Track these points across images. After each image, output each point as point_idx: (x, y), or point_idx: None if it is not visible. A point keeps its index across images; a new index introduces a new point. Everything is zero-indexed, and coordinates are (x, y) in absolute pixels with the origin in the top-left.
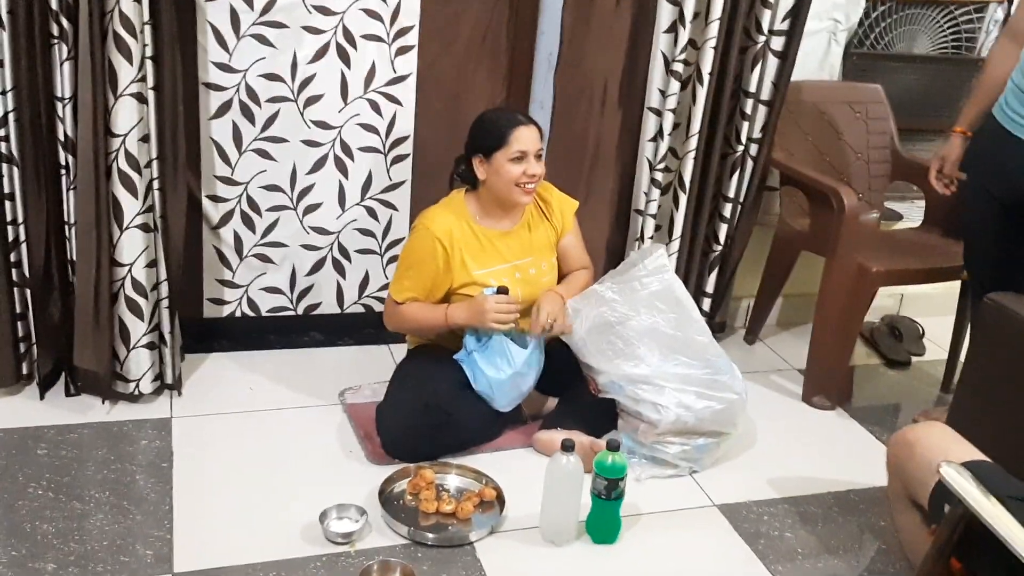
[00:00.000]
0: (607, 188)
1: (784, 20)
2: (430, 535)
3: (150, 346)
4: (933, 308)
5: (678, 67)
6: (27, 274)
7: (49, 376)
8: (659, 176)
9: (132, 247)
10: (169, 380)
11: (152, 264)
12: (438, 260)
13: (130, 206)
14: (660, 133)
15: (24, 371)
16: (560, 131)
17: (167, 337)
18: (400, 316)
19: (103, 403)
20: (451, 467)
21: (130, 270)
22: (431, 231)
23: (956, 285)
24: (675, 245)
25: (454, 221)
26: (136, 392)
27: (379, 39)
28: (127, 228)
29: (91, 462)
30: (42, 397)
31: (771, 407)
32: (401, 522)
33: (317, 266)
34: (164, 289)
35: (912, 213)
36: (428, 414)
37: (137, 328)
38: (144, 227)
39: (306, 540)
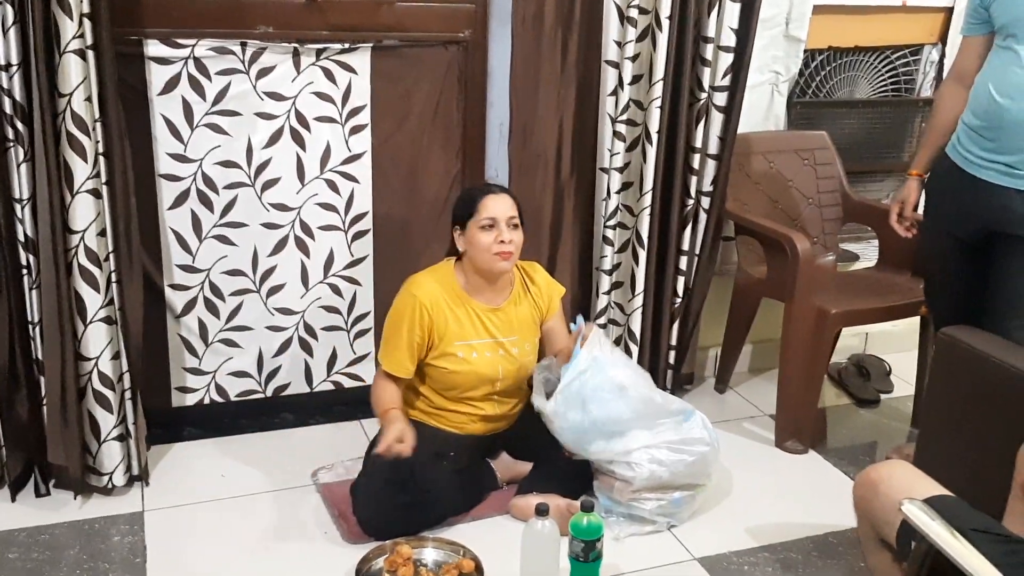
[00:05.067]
0: (568, 248)
1: (724, 76)
2: None
3: (120, 438)
4: (899, 344)
5: (621, 128)
6: None
7: (20, 477)
8: (615, 234)
9: (97, 341)
10: (136, 471)
11: (117, 356)
12: (420, 324)
13: (92, 300)
14: (610, 192)
15: None
16: (517, 197)
17: (131, 428)
18: (375, 384)
19: (75, 498)
20: (428, 540)
21: (96, 363)
22: (415, 295)
23: (918, 320)
24: (638, 300)
25: (440, 288)
26: (109, 485)
27: (332, 120)
28: (91, 322)
29: (64, 563)
30: (13, 499)
31: (745, 454)
32: None
33: (284, 347)
34: (127, 380)
35: (868, 253)
36: (405, 492)
37: (107, 421)
38: (107, 320)
39: None
